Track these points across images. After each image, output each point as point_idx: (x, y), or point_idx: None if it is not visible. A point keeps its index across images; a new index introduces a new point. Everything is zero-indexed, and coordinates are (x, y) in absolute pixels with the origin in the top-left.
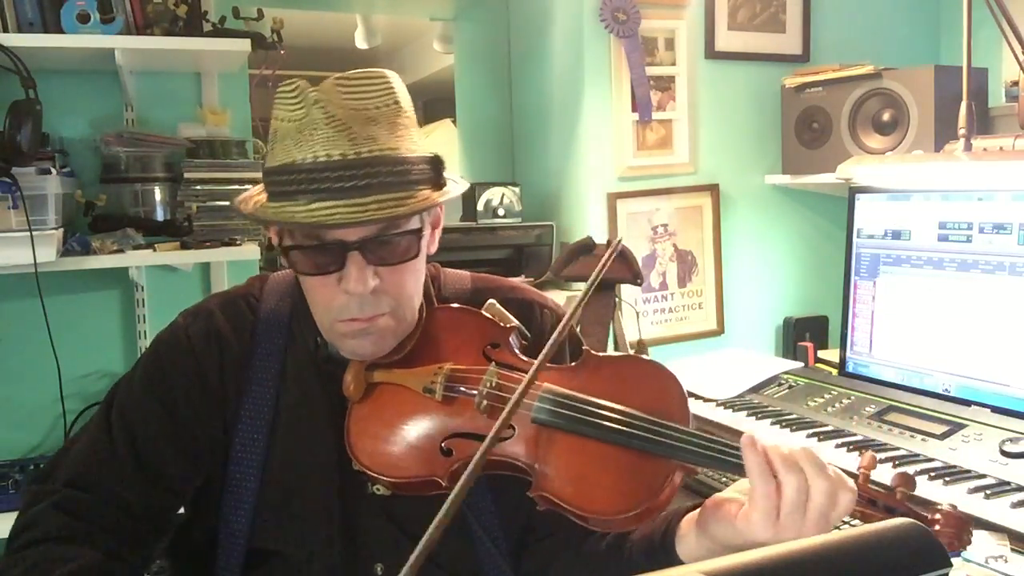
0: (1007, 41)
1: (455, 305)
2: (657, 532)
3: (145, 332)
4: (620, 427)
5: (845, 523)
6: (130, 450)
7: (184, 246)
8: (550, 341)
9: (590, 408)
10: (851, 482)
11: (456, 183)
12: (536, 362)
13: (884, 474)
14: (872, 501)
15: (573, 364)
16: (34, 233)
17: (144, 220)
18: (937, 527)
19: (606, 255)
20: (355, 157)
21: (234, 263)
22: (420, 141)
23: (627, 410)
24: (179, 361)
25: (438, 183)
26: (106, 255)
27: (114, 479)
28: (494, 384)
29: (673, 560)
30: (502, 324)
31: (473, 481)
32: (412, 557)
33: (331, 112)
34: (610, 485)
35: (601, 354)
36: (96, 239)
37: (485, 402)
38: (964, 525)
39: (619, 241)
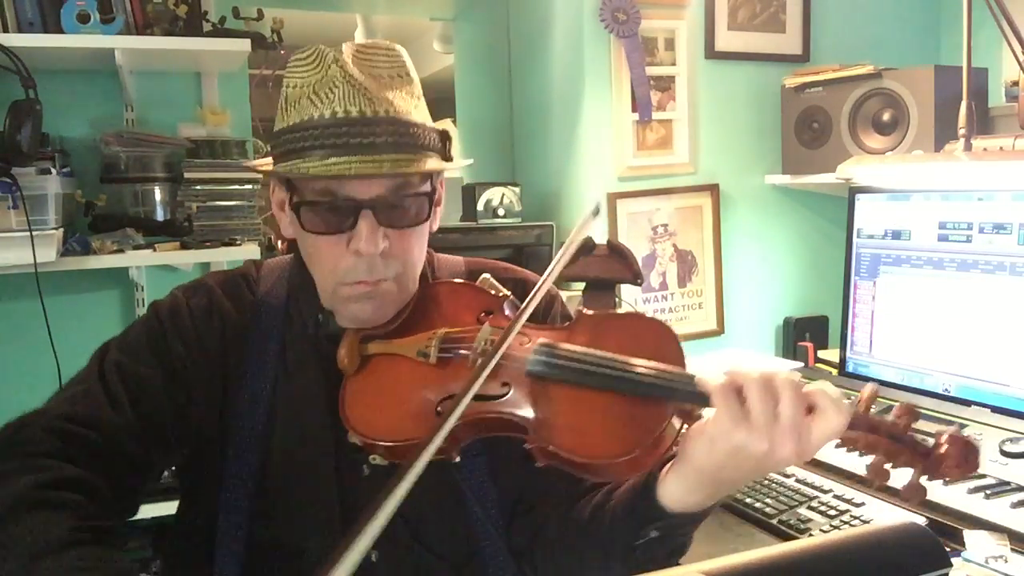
0: (1007, 41)
1: (449, 280)
2: (638, 482)
3: None
4: (615, 372)
5: (834, 514)
6: (128, 397)
7: (184, 246)
8: (534, 291)
9: (584, 356)
10: (843, 402)
11: (460, 161)
12: (523, 307)
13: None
14: (874, 428)
15: (567, 324)
16: (34, 233)
17: (144, 220)
18: (942, 450)
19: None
20: (372, 115)
21: (234, 263)
22: (427, 114)
23: (620, 356)
24: (180, 329)
25: (445, 155)
26: (106, 255)
27: (110, 420)
28: (489, 341)
29: (653, 505)
30: (495, 293)
31: (455, 421)
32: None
33: (349, 71)
34: (608, 430)
35: (593, 312)
36: (96, 239)
37: (480, 360)
38: (969, 447)
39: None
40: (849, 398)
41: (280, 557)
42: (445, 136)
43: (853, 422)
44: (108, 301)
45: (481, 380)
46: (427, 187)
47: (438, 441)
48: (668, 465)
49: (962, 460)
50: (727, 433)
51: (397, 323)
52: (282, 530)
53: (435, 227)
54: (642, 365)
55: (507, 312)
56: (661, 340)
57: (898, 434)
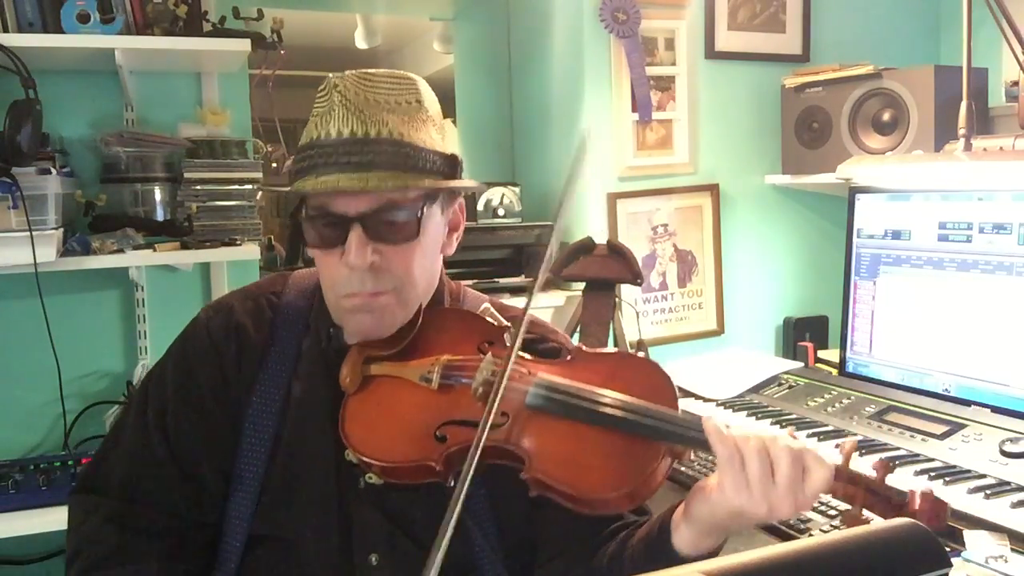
0: (1007, 41)
1: (451, 307)
2: (653, 529)
3: (145, 332)
4: (610, 411)
5: (835, 514)
6: (169, 453)
7: (184, 246)
8: (524, 308)
9: (582, 393)
10: (826, 456)
11: (469, 185)
12: (519, 325)
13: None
14: (854, 480)
15: (567, 359)
16: (34, 233)
17: (144, 220)
18: (915, 506)
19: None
20: (363, 136)
21: (234, 263)
22: (442, 142)
23: (617, 395)
24: (203, 358)
25: (450, 178)
26: (106, 255)
27: (160, 485)
28: (491, 371)
29: (669, 550)
30: (496, 323)
31: (474, 464)
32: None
33: (347, 96)
34: (601, 466)
35: (593, 350)
36: (96, 239)
37: (481, 389)
38: (941, 505)
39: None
40: (837, 445)
41: (275, 548)
42: (453, 161)
43: (836, 475)
44: (108, 301)
45: (496, 407)
46: (417, 206)
47: (460, 495)
48: (679, 510)
49: (932, 516)
50: (729, 500)
51: (400, 346)
52: (281, 527)
53: (450, 252)
54: (638, 403)
55: (507, 341)
56: (656, 381)
57: (875, 487)
